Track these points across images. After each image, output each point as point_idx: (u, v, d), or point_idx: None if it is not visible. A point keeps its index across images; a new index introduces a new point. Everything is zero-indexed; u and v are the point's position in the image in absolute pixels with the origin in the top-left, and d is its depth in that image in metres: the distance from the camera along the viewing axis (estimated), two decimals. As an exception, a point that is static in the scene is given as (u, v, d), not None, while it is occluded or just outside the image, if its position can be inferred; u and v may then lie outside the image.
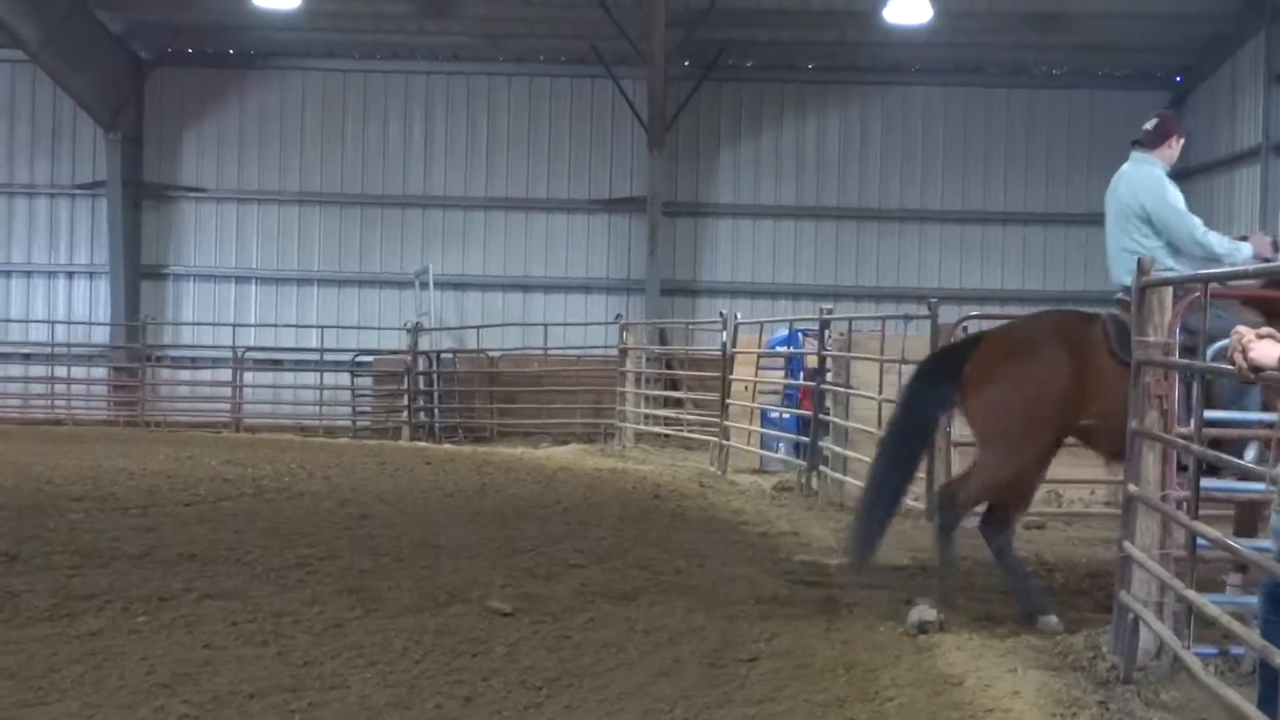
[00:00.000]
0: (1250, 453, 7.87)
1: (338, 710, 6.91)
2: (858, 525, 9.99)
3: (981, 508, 9.76)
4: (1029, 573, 10.00)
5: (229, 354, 29.07)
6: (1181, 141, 9.69)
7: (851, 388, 15.76)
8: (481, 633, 8.60)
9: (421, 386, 28.11)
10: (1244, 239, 9.54)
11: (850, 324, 17.56)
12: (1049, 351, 9.36)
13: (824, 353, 16.92)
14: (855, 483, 15.12)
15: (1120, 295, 9.34)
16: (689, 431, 22.55)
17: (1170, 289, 7.77)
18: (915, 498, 13.99)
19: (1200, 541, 6.57)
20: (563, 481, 17.96)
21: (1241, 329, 5.76)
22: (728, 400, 20.22)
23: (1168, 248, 9.28)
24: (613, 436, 24.33)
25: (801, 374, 18.87)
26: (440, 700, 7.12)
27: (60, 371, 30.21)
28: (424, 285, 29.75)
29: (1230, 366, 5.76)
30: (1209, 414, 7.16)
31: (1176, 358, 7.67)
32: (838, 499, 15.43)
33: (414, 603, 9.46)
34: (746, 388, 20.35)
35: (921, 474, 13.90)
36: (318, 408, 29.53)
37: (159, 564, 10.86)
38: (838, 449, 15.89)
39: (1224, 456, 7.05)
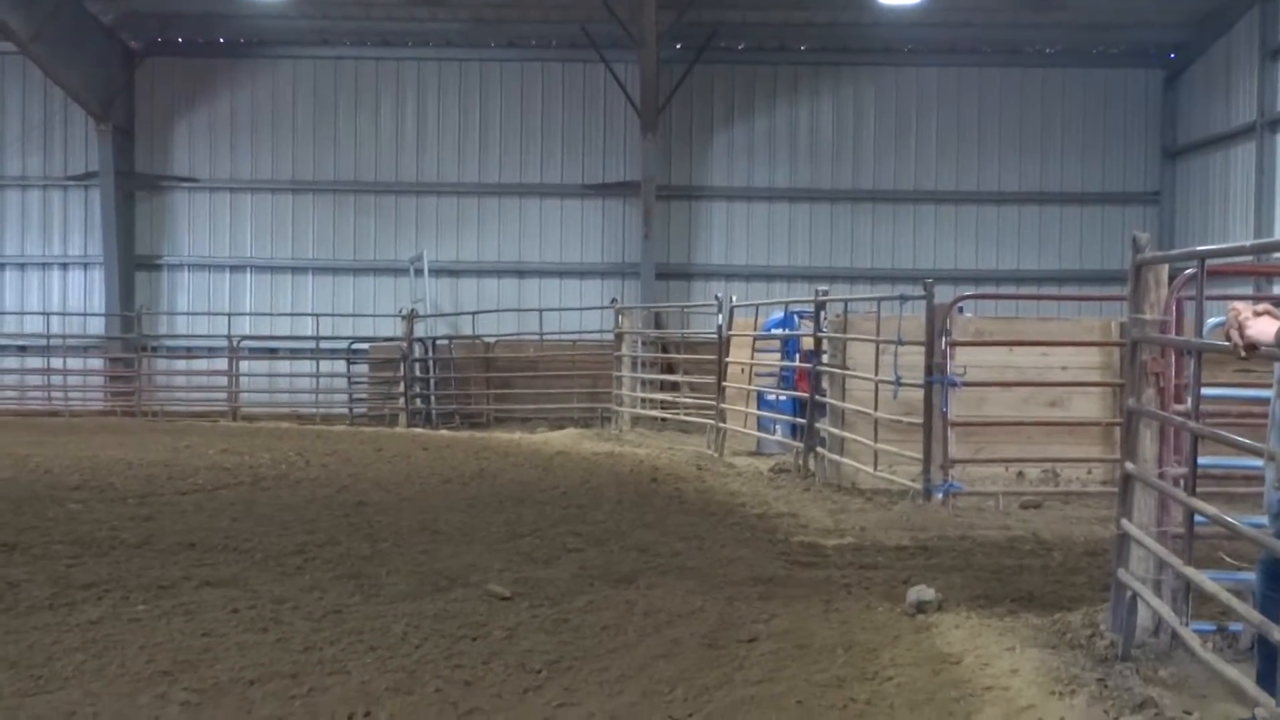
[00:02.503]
0: None
1: (338, 695, 6.90)
2: None
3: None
4: None
5: (224, 343, 29.09)
6: None
7: (848, 369, 15.76)
8: (481, 617, 8.60)
9: (418, 373, 28.11)
10: None
11: (846, 305, 17.53)
12: None
13: (820, 334, 16.93)
14: (851, 463, 15.18)
15: None
16: (685, 415, 22.55)
17: (1165, 266, 7.76)
18: (913, 479, 14.05)
19: (1198, 518, 6.56)
20: (560, 466, 17.96)
21: (1238, 305, 5.74)
22: (724, 383, 20.22)
23: None
24: (609, 420, 24.32)
25: (798, 356, 18.86)
26: (440, 684, 7.12)
27: (56, 363, 30.18)
28: (419, 272, 29.76)
29: (1226, 343, 5.75)
30: (1207, 391, 7.15)
31: (1173, 335, 7.66)
32: (834, 480, 15.45)
33: (413, 588, 9.47)
34: (743, 370, 20.35)
35: (919, 455, 13.98)
36: (314, 395, 29.51)
37: (158, 552, 10.86)
38: (834, 430, 15.90)
39: (1222, 434, 7.04)
